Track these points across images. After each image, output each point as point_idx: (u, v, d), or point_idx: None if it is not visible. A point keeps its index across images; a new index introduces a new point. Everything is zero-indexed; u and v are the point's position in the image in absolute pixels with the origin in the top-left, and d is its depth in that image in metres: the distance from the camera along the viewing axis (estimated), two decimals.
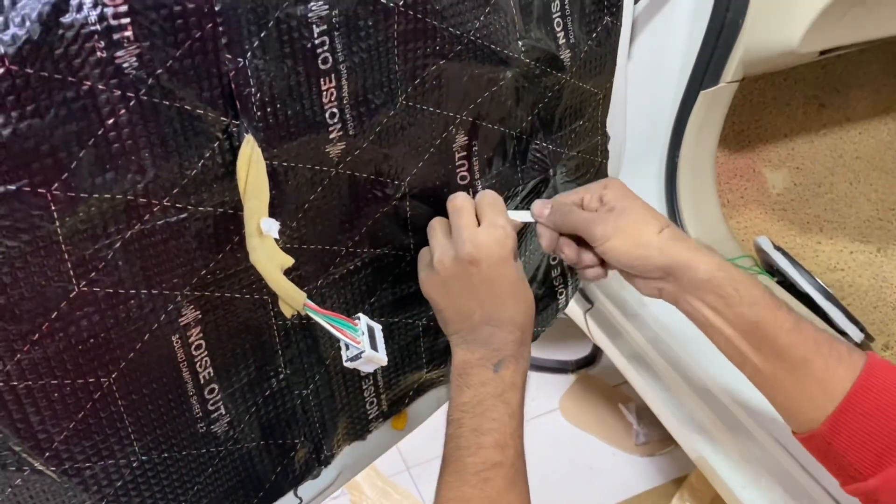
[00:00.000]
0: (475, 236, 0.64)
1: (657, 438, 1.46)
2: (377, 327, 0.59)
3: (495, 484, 0.58)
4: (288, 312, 0.55)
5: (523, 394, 0.64)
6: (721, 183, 1.30)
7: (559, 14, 0.71)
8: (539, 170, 0.78)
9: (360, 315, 0.58)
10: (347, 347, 0.57)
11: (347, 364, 0.57)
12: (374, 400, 0.77)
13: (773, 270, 1.07)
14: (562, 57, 0.73)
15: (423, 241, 0.72)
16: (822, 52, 0.97)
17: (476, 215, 0.66)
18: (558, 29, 0.72)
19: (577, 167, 0.83)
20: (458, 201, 0.67)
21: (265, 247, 0.52)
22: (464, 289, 0.64)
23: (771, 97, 1.35)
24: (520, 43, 0.67)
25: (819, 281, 1.02)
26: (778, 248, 1.07)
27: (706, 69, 0.95)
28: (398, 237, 0.70)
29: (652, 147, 1.01)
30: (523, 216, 0.71)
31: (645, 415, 1.47)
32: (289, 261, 0.53)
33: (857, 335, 0.99)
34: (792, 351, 0.59)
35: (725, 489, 0.92)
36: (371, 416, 0.78)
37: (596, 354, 1.66)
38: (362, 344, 0.56)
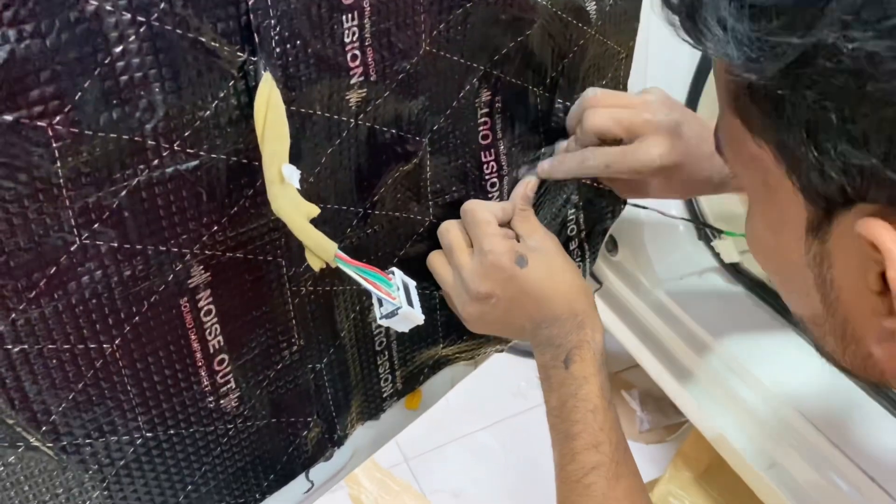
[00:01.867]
0: (474, 274, 0.63)
1: (662, 425, 1.42)
2: (412, 283, 0.54)
3: (599, 487, 0.57)
4: (316, 265, 0.51)
5: (601, 378, 0.61)
6: None
7: None
8: (561, 132, 0.74)
9: (395, 269, 0.54)
10: (381, 304, 0.52)
11: (381, 321, 0.53)
12: (389, 377, 0.73)
13: None
14: (587, 8, 0.68)
15: (443, 207, 0.68)
16: None
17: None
18: None
19: None
20: (447, 238, 0.66)
21: (288, 195, 0.47)
22: (497, 317, 0.64)
23: None
24: None
25: None
26: None
27: None
28: (417, 201, 0.66)
29: None
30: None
31: (648, 401, 1.44)
32: (314, 210, 0.49)
33: None
34: None
35: (747, 469, 0.89)
36: (385, 394, 0.73)
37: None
38: (398, 300, 0.52)
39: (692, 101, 0.95)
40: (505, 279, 0.63)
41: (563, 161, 0.69)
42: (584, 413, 0.60)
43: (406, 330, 0.55)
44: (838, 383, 0.86)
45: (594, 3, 0.69)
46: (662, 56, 0.90)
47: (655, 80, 0.87)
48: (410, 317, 0.52)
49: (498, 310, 0.64)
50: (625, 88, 0.79)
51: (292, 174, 0.47)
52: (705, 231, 1.02)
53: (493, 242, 0.64)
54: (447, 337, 0.75)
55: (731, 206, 1.04)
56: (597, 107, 0.66)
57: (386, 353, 0.71)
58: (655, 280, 1.03)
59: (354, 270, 0.51)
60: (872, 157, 0.31)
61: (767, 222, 0.40)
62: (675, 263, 1.03)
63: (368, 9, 0.52)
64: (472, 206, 0.66)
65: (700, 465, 1.32)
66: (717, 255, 1.01)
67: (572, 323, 0.63)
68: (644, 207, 0.85)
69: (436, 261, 0.67)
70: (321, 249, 0.49)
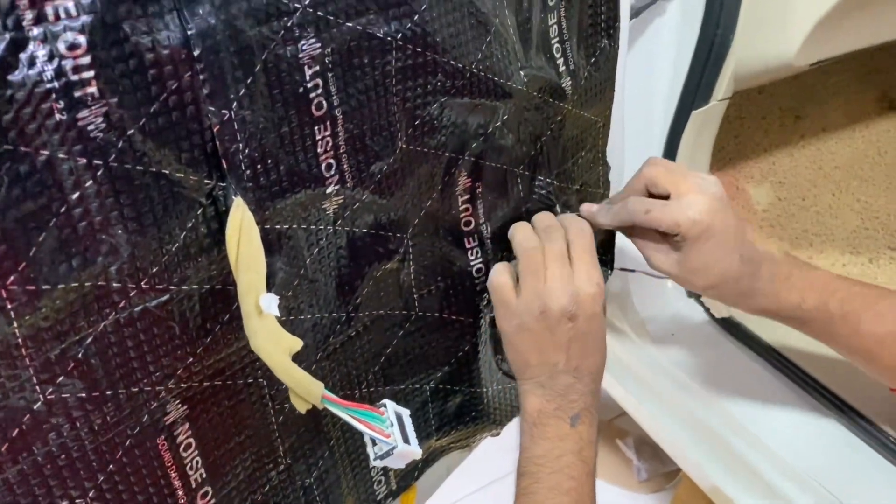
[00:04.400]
0: (576, 291, 0.60)
1: (660, 473, 1.39)
2: (405, 413, 0.51)
3: None
4: (302, 407, 0.47)
5: (597, 448, 0.62)
6: None
7: (557, 39, 0.65)
8: (544, 207, 0.71)
9: (386, 402, 0.51)
10: (374, 443, 0.49)
11: (376, 462, 0.49)
12: (383, 479, 0.69)
13: None
14: (563, 85, 0.67)
15: (429, 298, 0.65)
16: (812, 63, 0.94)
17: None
18: (558, 55, 0.66)
19: (580, 201, 0.77)
20: (558, 244, 0.62)
21: (267, 329, 0.44)
22: (552, 340, 0.61)
23: (747, 111, 1.32)
24: (521, 73, 0.61)
25: None
26: None
27: (697, 88, 0.90)
28: (402, 296, 0.63)
29: None
30: None
31: (645, 449, 1.41)
32: (297, 343, 0.45)
33: None
34: None
35: None
36: (380, 497, 0.70)
37: None
38: (393, 437, 0.48)
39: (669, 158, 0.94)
40: (592, 314, 0.61)
41: (608, 206, 0.67)
42: (581, 473, 0.60)
43: (402, 466, 0.52)
44: (829, 430, 0.85)
45: (569, 79, 0.67)
46: (638, 119, 0.89)
47: (633, 144, 0.86)
48: (406, 454, 0.49)
49: (559, 336, 0.61)
50: (604, 157, 0.77)
51: (270, 304, 0.44)
52: None
53: (601, 276, 0.62)
54: (440, 429, 0.72)
55: None
56: (656, 164, 0.65)
57: None
58: (647, 337, 1.01)
59: (344, 411, 0.47)
60: None
61: None
62: (666, 320, 1.01)
63: (341, 117, 0.50)
64: (587, 232, 0.64)
65: None
66: (707, 310, 0.99)
67: (592, 388, 0.63)
68: (631, 270, 0.83)
69: (534, 246, 0.62)
70: (306, 391, 0.46)
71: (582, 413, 0.61)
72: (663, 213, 0.62)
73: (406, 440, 0.49)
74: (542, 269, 0.61)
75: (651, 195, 0.64)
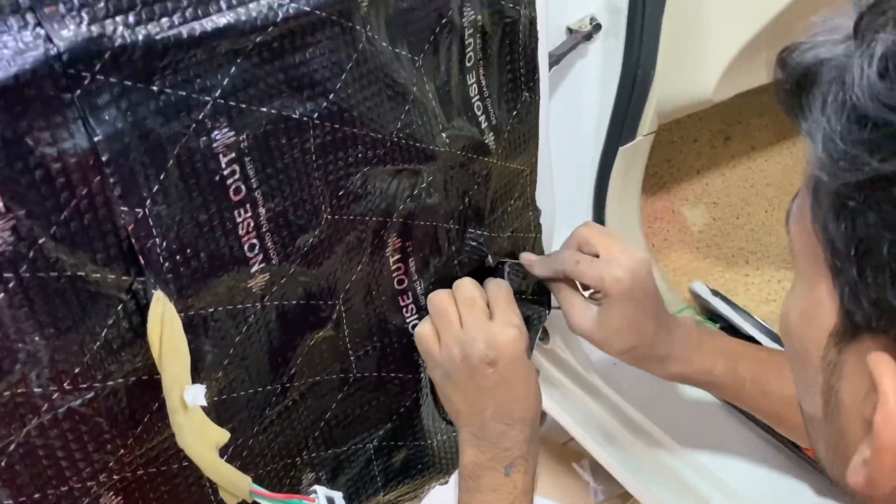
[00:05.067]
0: (492, 337, 0.62)
1: (616, 493, 1.41)
2: (337, 496, 0.52)
3: None
4: (232, 501, 0.47)
5: (532, 497, 0.62)
6: (643, 228, 1.29)
7: (478, 98, 0.67)
8: (476, 259, 0.73)
9: (317, 488, 0.51)
10: None
11: None
12: None
13: (714, 316, 1.05)
14: (486, 141, 0.68)
15: (366, 359, 0.66)
16: None
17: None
18: (479, 113, 0.67)
19: (513, 247, 0.78)
20: (468, 291, 0.64)
21: (193, 423, 0.44)
22: (476, 387, 0.62)
23: (679, 136, 1.35)
24: (444, 134, 0.62)
25: (761, 321, 1.00)
26: (716, 293, 1.05)
27: (622, 126, 0.93)
28: (338, 359, 0.63)
29: (578, 210, 0.98)
30: None
31: (600, 470, 1.42)
32: (224, 436, 0.46)
33: None
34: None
35: None
36: None
37: (541, 415, 1.61)
38: None
39: (598, 206, 0.96)
40: (512, 358, 0.62)
41: (544, 258, 0.72)
42: None
43: None
44: (775, 461, 0.87)
45: (492, 134, 0.68)
46: (568, 160, 0.91)
47: (565, 184, 0.88)
48: None
49: (481, 382, 0.62)
50: (533, 203, 0.79)
51: (196, 395, 0.44)
52: None
53: (521, 321, 0.64)
54: (387, 485, 0.72)
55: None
56: (590, 226, 0.69)
57: None
58: (589, 366, 1.03)
59: (274, 503, 0.48)
60: None
61: (802, 309, 0.39)
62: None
63: (261, 198, 0.50)
64: (503, 283, 0.67)
65: None
66: None
67: (527, 434, 0.63)
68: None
69: (445, 299, 0.65)
70: (235, 486, 0.46)
71: (516, 461, 0.62)
72: (591, 267, 0.64)
73: None
74: (456, 317, 0.63)
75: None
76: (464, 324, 0.63)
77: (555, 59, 0.81)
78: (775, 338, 0.99)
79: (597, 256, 0.65)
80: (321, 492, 0.50)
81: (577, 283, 0.68)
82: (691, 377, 0.68)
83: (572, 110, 0.91)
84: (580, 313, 0.66)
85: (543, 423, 1.60)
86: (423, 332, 0.65)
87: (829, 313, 0.35)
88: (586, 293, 0.67)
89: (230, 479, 0.46)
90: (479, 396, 0.63)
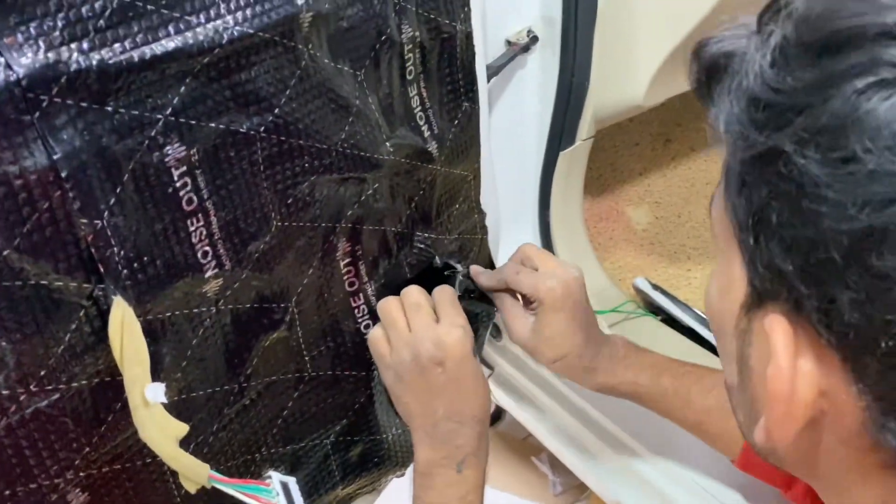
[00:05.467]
0: (438, 337, 0.65)
1: (574, 485, 1.46)
2: (291, 480, 0.55)
3: None
4: (192, 488, 0.51)
5: (483, 491, 0.66)
6: (589, 228, 1.34)
7: (420, 108, 0.71)
8: (425, 259, 0.77)
9: (272, 473, 0.55)
10: None
11: None
12: None
13: (655, 309, 1.10)
14: (429, 149, 0.72)
15: (321, 358, 0.69)
16: None
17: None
18: (422, 123, 0.71)
19: (460, 248, 0.83)
20: (414, 297, 0.68)
21: (154, 418, 0.47)
22: (427, 388, 0.65)
23: (620, 140, 1.41)
24: (388, 143, 0.66)
25: (699, 312, 1.06)
26: (656, 287, 1.10)
27: (562, 132, 0.97)
28: (293, 359, 0.67)
29: (523, 213, 1.03)
30: None
31: (559, 464, 1.47)
32: (183, 429, 0.49)
33: None
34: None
35: None
36: None
37: (501, 411, 1.65)
38: None
39: (543, 207, 1.01)
40: (460, 358, 0.65)
41: (490, 271, 0.76)
42: None
43: None
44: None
45: (434, 142, 0.73)
46: (512, 166, 0.95)
47: (510, 189, 0.92)
48: None
49: (431, 382, 0.65)
50: (478, 206, 0.83)
51: (156, 393, 0.48)
52: None
53: (466, 321, 0.67)
54: (345, 478, 0.76)
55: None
56: (531, 245, 0.74)
57: None
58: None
59: (231, 487, 0.51)
60: (789, 265, 0.34)
61: (720, 285, 0.42)
62: None
63: (213, 208, 0.53)
64: (448, 287, 0.71)
65: None
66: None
67: (477, 430, 0.66)
68: None
69: (393, 306, 0.68)
70: (194, 474, 0.49)
71: (468, 458, 0.65)
72: (528, 277, 0.69)
73: None
74: (403, 321, 0.67)
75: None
76: (412, 327, 0.66)
77: (494, 71, 0.86)
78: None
79: (536, 270, 0.71)
80: (276, 477, 0.54)
81: (518, 296, 0.73)
82: (616, 388, 0.72)
83: (515, 118, 0.96)
84: (518, 322, 0.70)
85: (503, 420, 1.65)
86: (374, 337, 0.69)
87: (741, 286, 0.39)
88: (527, 307, 0.71)
89: (190, 467, 0.49)
90: (429, 397, 0.66)
